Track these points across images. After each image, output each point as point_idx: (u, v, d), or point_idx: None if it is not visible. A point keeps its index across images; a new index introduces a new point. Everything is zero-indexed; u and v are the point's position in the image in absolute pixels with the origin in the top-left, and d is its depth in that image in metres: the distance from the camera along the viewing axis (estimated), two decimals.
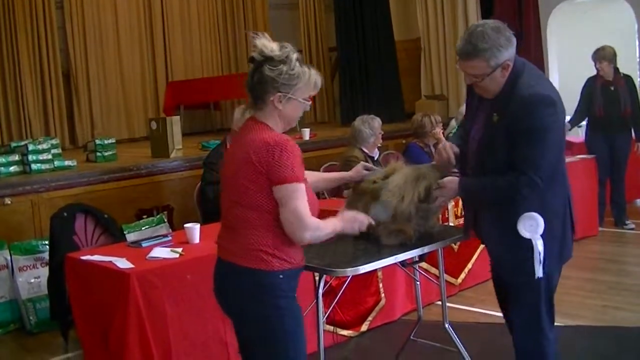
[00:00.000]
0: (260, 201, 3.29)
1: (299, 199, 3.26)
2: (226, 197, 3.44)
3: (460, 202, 5.89)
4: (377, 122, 7.47)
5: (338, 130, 11.38)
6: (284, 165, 3.24)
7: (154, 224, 7.10)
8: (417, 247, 4.08)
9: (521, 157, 3.59)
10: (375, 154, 7.46)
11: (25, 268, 6.59)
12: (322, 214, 5.72)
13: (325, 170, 8.04)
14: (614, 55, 8.94)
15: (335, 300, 5.01)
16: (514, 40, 3.73)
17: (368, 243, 4.21)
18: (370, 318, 6.05)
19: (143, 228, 6.93)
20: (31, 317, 6.49)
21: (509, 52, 3.67)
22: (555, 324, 5.84)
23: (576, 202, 8.39)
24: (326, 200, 7.25)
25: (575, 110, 9.31)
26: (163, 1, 13.32)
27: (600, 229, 8.91)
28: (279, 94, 3.34)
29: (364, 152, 7.32)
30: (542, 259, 3.72)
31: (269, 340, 3.38)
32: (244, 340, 3.54)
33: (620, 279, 7.16)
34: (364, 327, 6.01)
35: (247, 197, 3.30)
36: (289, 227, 3.28)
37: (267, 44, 3.38)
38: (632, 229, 9.03)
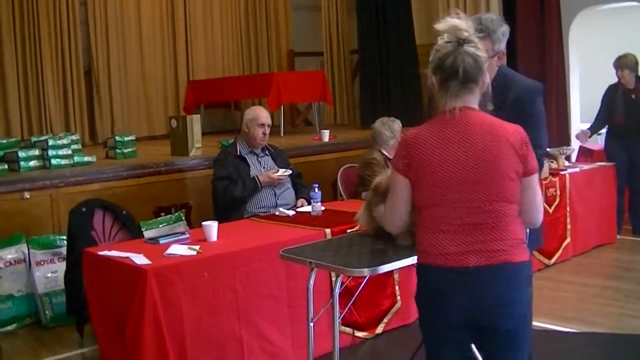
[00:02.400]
0: (517, 192, 3.21)
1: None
2: (474, 195, 3.16)
3: None
4: (397, 124, 7.47)
5: (358, 132, 11.36)
6: (532, 154, 3.24)
7: (172, 222, 7.09)
8: None
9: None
10: None
11: (42, 262, 6.62)
12: (340, 216, 5.74)
13: (344, 172, 8.06)
14: (635, 63, 8.92)
15: (351, 301, 5.01)
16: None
17: (385, 243, 4.22)
18: (385, 320, 6.04)
19: (161, 225, 6.92)
20: (47, 312, 6.52)
21: (504, 44, 3.94)
22: (573, 330, 5.84)
23: (594, 210, 8.48)
24: (344, 202, 7.27)
25: (596, 117, 9.31)
26: (186, 0, 13.35)
27: (618, 236, 8.88)
28: (486, 74, 3.26)
29: (383, 154, 7.32)
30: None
31: (526, 329, 3.35)
32: (500, 337, 3.27)
33: (638, 287, 7.10)
34: (379, 329, 6.00)
35: (510, 190, 3.18)
36: (536, 214, 3.31)
37: (462, 24, 3.21)
38: None
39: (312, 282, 4.16)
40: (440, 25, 3.23)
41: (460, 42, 3.16)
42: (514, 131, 3.20)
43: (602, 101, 9.18)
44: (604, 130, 9.53)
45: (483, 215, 3.15)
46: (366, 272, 3.88)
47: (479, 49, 3.19)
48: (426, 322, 3.36)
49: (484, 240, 3.15)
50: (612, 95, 9.06)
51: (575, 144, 10.42)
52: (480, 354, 3.28)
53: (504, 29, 4.01)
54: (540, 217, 3.33)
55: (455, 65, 3.14)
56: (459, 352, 3.30)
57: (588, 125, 9.81)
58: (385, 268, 3.94)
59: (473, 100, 3.23)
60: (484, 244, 3.14)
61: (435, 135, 3.20)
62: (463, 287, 3.15)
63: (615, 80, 9.09)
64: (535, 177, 3.27)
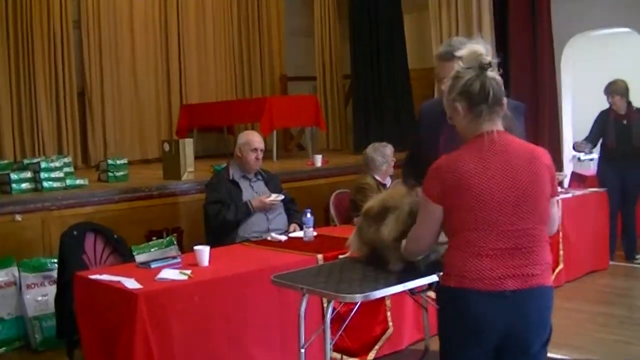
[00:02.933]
0: (549, 214, 3.32)
1: None
2: (515, 219, 3.20)
3: None
4: (389, 149, 7.48)
5: (350, 157, 11.38)
6: (555, 175, 3.35)
7: (163, 246, 7.07)
8: (427, 275, 4.06)
9: None
10: (388, 182, 7.46)
11: (33, 285, 6.59)
12: (332, 241, 5.73)
13: (336, 197, 8.05)
14: (626, 89, 8.96)
15: (343, 327, 4.99)
16: None
17: (377, 269, 4.21)
18: (377, 347, 6.00)
19: (152, 249, 6.90)
20: (37, 335, 6.48)
21: None
22: (565, 357, 5.83)
23: (587, 235, 8.48)
24: (336, 228, 7.26)
25: (585, 139, 9.30)
26: (179, 24, 13.36)
27: (610, 262, 8.87)
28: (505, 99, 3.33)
29: (376, 179, 7.32)
30: None
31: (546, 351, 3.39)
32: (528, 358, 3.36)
33: (631, 313, 7.10)
34: (371, 356, 5.96)
35: (547, 212, 3.28)
36: (555, 227, 3.48)
37: (482, 49, 3.29)
38: None
39: (303, 308, 4.14)
40: (462, 52, 3.33)
41: (485, 66, 3.23)
42: (544, 152, 3.33)
43: (593, 126, 9.19)
44: (596, 156, 9.55)
45: (522, 239, 3.21)
46: (358, 298, 3.86)
47: (496, 74, 3.28)
48: (457, 345, 3.37)
49: (521, 265, 3.21)
50: (604, 121, 9.08)
51: (568, 170, 10.44)
52: None
53: None
54: (555, 227, 3.50)
55: (486, 90, 3.23)
56: None
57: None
58: (378, 294, 3.92)
59: (500, 123, 3.30)
60: (521, 269, 3.21)
61: (474, 159, 3.24)
62: (501, 310, 3.19)
63: (607, 105, 9.11)
64: (556, 198, 3.42)
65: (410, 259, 3.82)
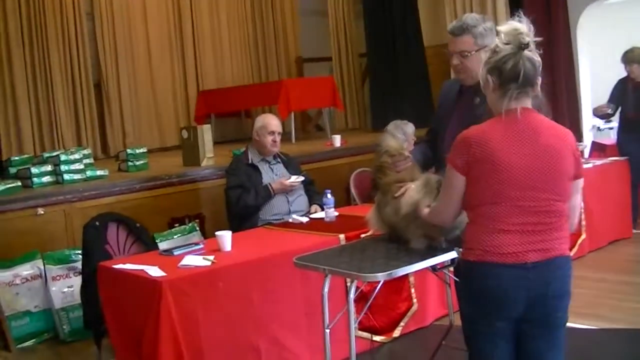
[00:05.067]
0: (571, 192, 3.34)
1: None
2: (538, 195, 3.23)
3: None
4: (410, 127, 7.46)
5: (369, 136, 11.35)
6: (580, 158, 3.38)
7: (186, 232, 7.12)
8: (448, 251, 4.06)
9: None
10: None
11: (58, 277, 6.64)
12: (354, 221, 5.74)
13: (357, 177, 8.05)
14: None
15: (367, 306, 5.00)
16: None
17: (399, 247, 4.21)
18: (402, 324, 6.03)
19: (175, 236, 6.95)
20: (65, 326, 6.53)
21: (492, 39, 3.93)
22: (590, 327, 5.82)
23: (609, 205, 8.46)
24: (358, 207, 7.25)
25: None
26: (193, 11, 13.37)
27: (634, 231, 8.85)
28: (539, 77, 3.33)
29: None
30: None
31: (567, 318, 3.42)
32: (550, 327, 3.39)
33: None
34: (396, 333, 5.99)
35: (568, 189, 3.31)
36: (575, 219, 3.44)
37: (524, 28, 3.28)
38: None
39: (326, 288, 4.15)
40: (503, 27, 3.33)
41: (523, 46, 3.23)
42: (570, 133, 3.35)
43: (611, 94, 9.13)
44: (616, 125, 9.49)
45: (544, 215, 3.24)
46: (380, 277, 3.86)
47: (535, 54, 3.28)
48: (480, 319, 3.38)
49: (542, 240, 3.24)
50: (622, 90, 9.02)
51: (587, 140, 10.39)
52: (524, 345, 3.37)
53: (487, 25, 4.24)
54: (577, 220, 3.49)
55: (517, 70, 3.24)
56: (510, 345, 3.37)
57: (599, 121, 9.83)
58: (399, 272, 3.92)
59: (529, 102, 3.31)
60: (541, 244, 3.24)
61: (499, 134, 3.26)
62: (523, 281, 3.22)
63: (624, 74, 9.05)
64: (582, 181, 3.42)
65: (439, 224, 3.81)
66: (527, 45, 3.23)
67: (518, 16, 3.32)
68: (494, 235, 3.24)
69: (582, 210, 8.04)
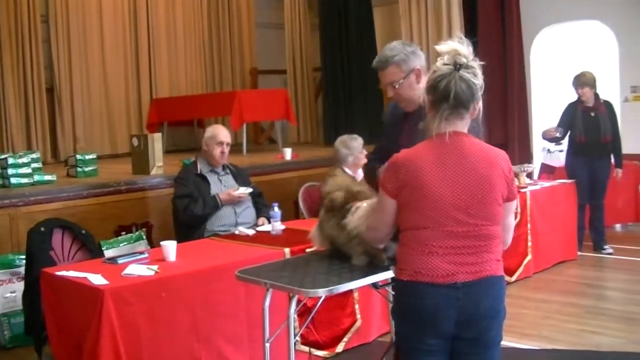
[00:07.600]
0: (502, 215, 3.31)
1: None
2: (466, 220, 3.21)
3: None
4: (356, 142, 7.43)
5: (321, 150, 11.39)
6: (513, 180, 3.36)
7: (132, 241, 7.08)
8: (389, 269, 4.08)
9: None
10: (360, 175, 7.45)
11: (1, 282, 6.56)
12: (300, 235, 5.74)
13: (306, 191, 8.06)
14: (594, 80, 9.01)
15: (309, 320, 5.01)
16: (421, 53, 4.33)
17: (342, 263, 4.22)
18: (345, 339, 6.02)
19: (121, 244, 6.91)
20: (5, 332, 6.46)
21: (418, 61, 4.22)
22: (533, 347, 5.87)
23: (556, 226, 8.54)
24: (305, 221, 7.26)
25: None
26: (149, 18, 13.36)
27: (579, 253, 8.95)
28: (478, 101, 3.29)
29: (345, 172, 7.31)
30: None
31: (501, 337, 3.41)
32: (482, 346, 3.37)
33: (598, 303, 7.18)
34: (340, 348, 5.98)
35: (499, 214, 3.28)
36: (509, 237, 3.45)
37: (462, 49, 3.25)
38: (610, 253, 9.07)
39: (267, 302, 4.16)
40: (441, 47, 3.31)
41: (457, 66, 3.21)
42: (503, 157, 3.31)
43: (561, 118, 9.21)
44: (565, 148, 9.59)
45: (473, 239, 3.22)
46: (320, 292, 3.86)
47: (475, 76, 3.23)
48: (412, 337, 3.37)
49: (473, 262, 3.23)
50: (572, 113, 9.11)
51: (537, 162, 10.50)
52: None
53: (408, 49, 4.29)
54: (510, 239, 3.47)
55: (448, 89, 3.20)
56: None
57: (550, 143, 9.93)
58: (340, 289, 3.93)
59: (463, 125, 3.29)
60: (472, 266, 3.23)
61: (429, 158, 3.24)
62: (453, 301, 3.21)
63: (574, 97, 9.15)
64: (514, 203, 3.41)
65: (373, 247, 3.84)
66: (461, 66, 3.21)
67: (459, 37, 3.32)
68: (424, 257, 3.24)
69: (529, 231, 8.13)
